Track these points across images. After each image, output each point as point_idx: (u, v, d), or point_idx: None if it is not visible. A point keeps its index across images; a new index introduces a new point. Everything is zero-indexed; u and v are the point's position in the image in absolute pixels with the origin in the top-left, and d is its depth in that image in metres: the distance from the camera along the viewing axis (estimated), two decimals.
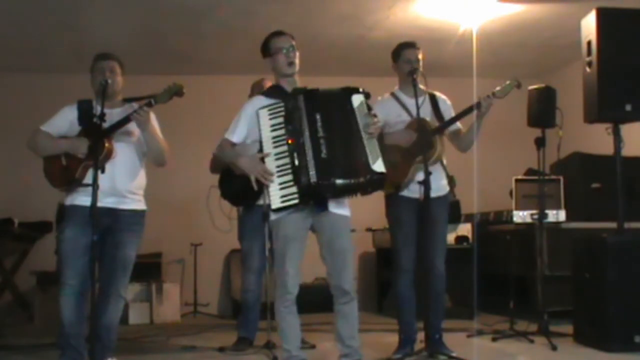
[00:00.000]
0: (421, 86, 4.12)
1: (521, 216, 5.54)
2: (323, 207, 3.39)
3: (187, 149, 5.76)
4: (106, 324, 3.82)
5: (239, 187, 4.28)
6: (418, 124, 4.09)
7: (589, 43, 4.46)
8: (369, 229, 6.76)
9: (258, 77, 4.69)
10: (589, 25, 4.47)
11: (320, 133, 3.31)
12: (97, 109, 3.62)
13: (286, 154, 3.34)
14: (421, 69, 4.15)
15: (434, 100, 4.29)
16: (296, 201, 3.30)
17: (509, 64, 7.01)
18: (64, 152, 3.78)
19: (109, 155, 3.73)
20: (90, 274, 3.59)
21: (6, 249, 6.36)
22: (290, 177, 3.31)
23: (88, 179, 3.58)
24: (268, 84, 4.10)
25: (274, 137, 3.38)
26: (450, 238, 6.27)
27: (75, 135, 3.81)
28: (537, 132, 4.98)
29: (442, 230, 4.28)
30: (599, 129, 4.65)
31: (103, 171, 3.53)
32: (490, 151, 6.51)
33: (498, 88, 4.16)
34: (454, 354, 4.04)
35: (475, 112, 4.12)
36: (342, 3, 5.57)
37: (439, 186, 4.16)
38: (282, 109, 3.40)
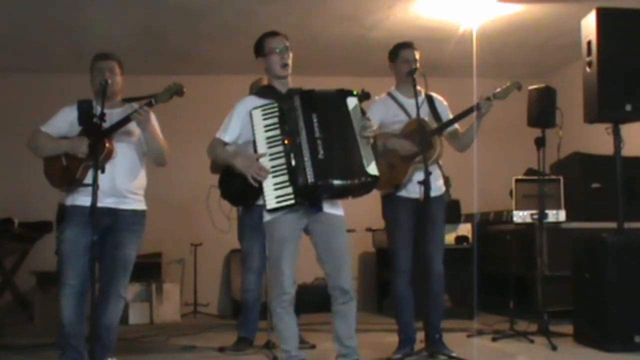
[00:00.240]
0: (418, 87, 4.12)
1: (521, 216, 5.55)
2: (318, 207, 3.39)
3: (187, 149, 5.75)
4: (106, 324, 3.82)
5: (239, 186, 4.26)
6: (418, 124, 4.09)
7: (589, 43, 4.46)
8: (369, 229, 6.76)
9: (258, 77, 4.68)
10: (589, 25, 4.47)
11: (317, 134, 3.31)
12: (97, 109, 3.62)
13: (281, 154, 3.33)
14: (419, 69, 4.16)
15: (431, 101, 4.30)
16: (292, 202, 3.29)
17: (509, 64, 7.01)
18: (64, 153, 3.78)
19: (109, 155, 3.73)
20: (91, 274, 3.59)
21: (6, 249, 6.36)
22: (285, 177, 3.31)
23: (88, 179, 3.58)
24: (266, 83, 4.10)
25: (268, 138, 3.37)
26: (450, 238, 6.28)
27: (75, 136, 3.81)
28: (537, 132, 4.98)
29: (441, 230, 4.29)
30: (599, 129, 4.65)
31: (103, 171, 3.53)
32: (490, 151, 6.51)
33: (499, 89, 4.16)
34: (454, 354, 4.04)
35: (474, 113, 4.12)
36: (342, 3, 5.57)
37: (436, 186, 4.16)
38: (276, 109, 3.39)
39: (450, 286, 5.15)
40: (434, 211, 4.08)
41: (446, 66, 6.77)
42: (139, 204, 3.93)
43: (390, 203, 4.26)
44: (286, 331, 3.40)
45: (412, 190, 4.14)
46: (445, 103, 4.39)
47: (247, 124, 3.45)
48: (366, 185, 3.35)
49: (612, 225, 4.62)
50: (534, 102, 4.99)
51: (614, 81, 4.37)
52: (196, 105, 6.02)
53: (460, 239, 6.35)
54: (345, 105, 3.42)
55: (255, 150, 3.39)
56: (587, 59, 4.47)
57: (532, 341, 4.68)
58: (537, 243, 5.16)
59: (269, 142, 3.37)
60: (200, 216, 6.22)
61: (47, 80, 6.91)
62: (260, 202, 3.44)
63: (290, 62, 3.58)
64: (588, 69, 4.48)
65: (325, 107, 3.41)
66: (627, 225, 4.59)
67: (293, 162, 3.28)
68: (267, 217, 3.42)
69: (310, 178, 3.24)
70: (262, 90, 3.69)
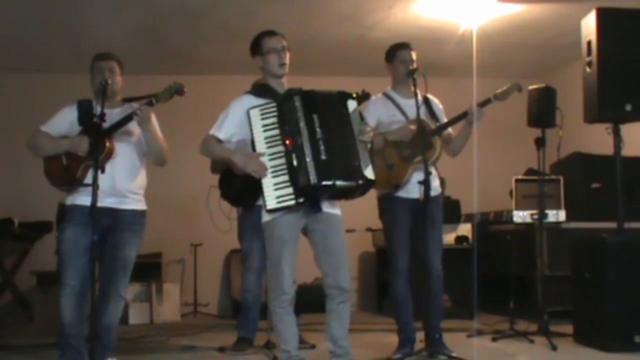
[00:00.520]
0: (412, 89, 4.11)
1: (521, 216, 5.55)
2: (317, 208, 3.39)
3: (187, 149, 5.71)
4: (106, 324, 3.81)
5: (239, 186, 4.29)
6: (418, 124, 4.09)
7: (589, 43, 4.46)
8: (369, 229, 6.76)
9: (258, 77, 4.67)
10: (589, 25, 4.47)
11: (319, 134, 3.30)
12: (97, 109, 3.62)
13: (281, 154, 3.32)
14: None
15: (427, 103, 4.30)
16: (292, 202, 3.29)
17: (509, 64, 7.01)
18: (65, 152, 3.78)
19: (109, 155, 3.73)
20: (91, 274, 3.59)
21: (6, 249, 6.36)
22: (285, 177, 3.31)
23: (88, 179, 3.58)
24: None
25: (267, 138, 3.36)
26: (450, 238, 6.29)
27: (75, 135, 3.81)
28: (537, 132, 4.98)
29: (440, 229, 4.29)
30: (599, 129, 4.65)
31: (103, 171, 3.53)
32: (490, 151, 6.51)
33: (499, 91, 4.17)
34: (454, 354, 4.04)
35: (467, 118, 4.14)
36: (342, 3, 5.57)
37: (434, 186, 4.16)
38: (275, 109, 3.38)
39: (450, 286, 5.16)
40: (433, 211, 4.08)
41: (446, 66, 6.76)
42: (139, 204, 3.93)
43: (389, 203, 4.26)
44: (286, 331, 3.39)
45: (412, 191, 4.14)
46: (440, 106, 4.40)
47: (243, 123, 3.44)
48: (362, 187, 3.37)
49: (612, 225, 4.62)
50: (534, 102, 4.99)
51: (614, 81, 4.37)
52: (196, 105, 6.01)
53: (460, 239, 6.35)
54: (346, 108, 3.42)
55: (254, 150, 3.39)
56: (587, 59, 4.47)
57: (532, 341, 4.68)
58: (537, 243, 5.16)
59: (268, 142, 3.36)
60: (200, 216, 6.22)
61: (47, 80, 6.91)
62: (260, 202, 3.44)
63: (287, 61, 3.58)
64: (588, 69, 4.48)
65: (326, 108, 3.40)
66: (627, 225, 4.59)
67: (295, 163, 3.28)
68: (266, 218, 3.41)
69: (313, 179, 3.24)
70: (258, 89, 3.66)
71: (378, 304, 7.02)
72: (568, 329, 4.82)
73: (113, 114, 3.78)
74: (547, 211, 5.05)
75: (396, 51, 4.29)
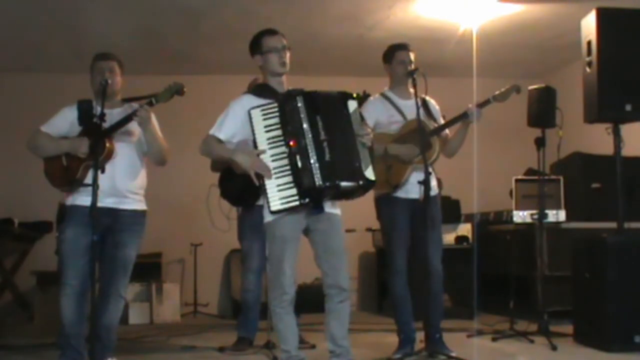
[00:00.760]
0: (411, 89, 4.11)
1: (521, 216, 5.55)
2: (320, 208, 3.39)
3: (187, 149, 5.72)
4: (106, 324, 3.82)
5: (239, 186, 4.29)
6: (418, 124, 4.08)
7: (589, 43, 4.46)
8: (369, 229, 6.76)
9: (255, 77, 4.66)
10: (589, 25, 4.47)
11: (322, 136, 3.30)
12: (97, 109, 3.62)
13: (284, 155, 3.31)
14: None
15: (425, 104, 4.30)
16: (296, 203, 3.29)
17: (509, 64, 7.01)
18: (65, 153, 3.78)
19: (109, 155, 3.73)
20: (91, 274, 3.59)
21: (6, 249, 6.36)
22: (289, 178, 3.30)
23: (89, 179, 3.58)
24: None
25: (269, 138, 3.35)
26: (450, 238, 6.29)
27: (75, 136, 3.81)
28: (537, 132, 4.98)
29: (439, 229, 4.29)
30: (599, 129, 4.65)
31: (103, 171, 3.53)
32: (490, 151, 6.51)
33: (498, 92, 4.17)
34: (453, 354, 4.04)
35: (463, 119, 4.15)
36: (342, 3, 5.57)
37: (433, 186, 4.16)
38: (276, 109, 3.36)
39: (450, 286, 5.16)
40: (433, 211, 4.08)
41: (446, 66, 6.77)
42: (139, 204, 3.93)
43: (387, 204, 4.25)
44: (286, 331, 3.39)
45: (410, 191, 4.14)
46: (437, 107, 4.40)
47: (244, 123, 3.42)
48: (363, 188, 3.38)
49: (612, 225, 4.62)
50: (534, 102, 4.99)
51: (614, 81, 4.37)
52: (196, 105, 6.02)
53: (460, 239, 6.35)
54: (347, 108, 3.42)
55: None
56: (587, 59, 4.47)
57: (532, 341, 4.68)
58: (537, 243, 5.16)
59: (270, 143, 3.35)
60: (200, 216, 6.21)
61: (47, 80, 6.91)
62: (260, 202, 3.43)
63: (288, 60, 3.57)
64: (588, 69, 4.48)
65: (328, 108, 3.39)
66: (627, 225, 4.59)
67: (299, 164, 3.27)
68: (268, 218, 3.40)
69: (318, 180, 3.24)
70: (258, 89, 3.64)
71: (378, 304, 7.02)
72: (568, 329, 4.83)
73: (113, 114, 3.78)
74: (547, 211, 5.05)
75: (394, 52, 4.29)
